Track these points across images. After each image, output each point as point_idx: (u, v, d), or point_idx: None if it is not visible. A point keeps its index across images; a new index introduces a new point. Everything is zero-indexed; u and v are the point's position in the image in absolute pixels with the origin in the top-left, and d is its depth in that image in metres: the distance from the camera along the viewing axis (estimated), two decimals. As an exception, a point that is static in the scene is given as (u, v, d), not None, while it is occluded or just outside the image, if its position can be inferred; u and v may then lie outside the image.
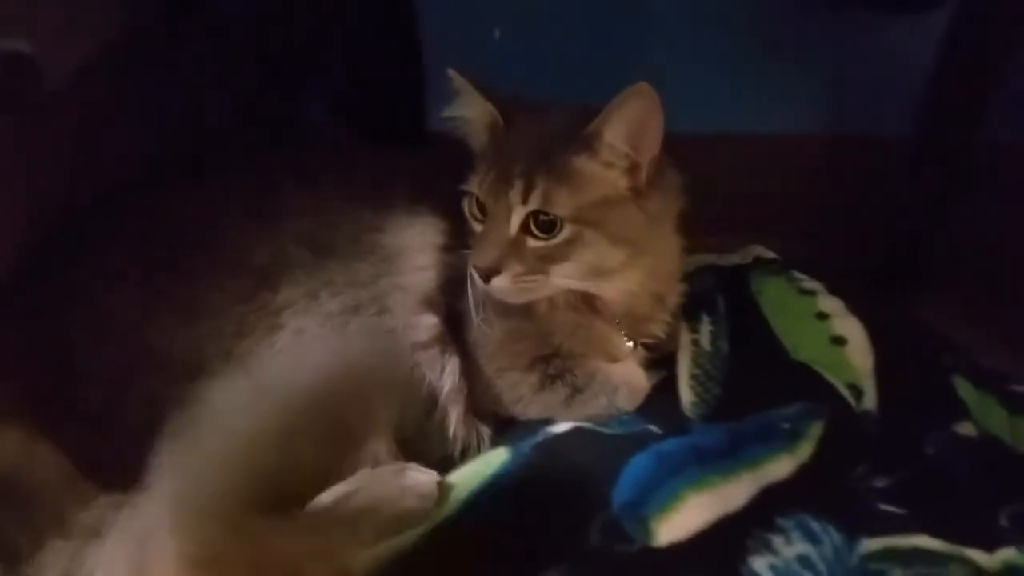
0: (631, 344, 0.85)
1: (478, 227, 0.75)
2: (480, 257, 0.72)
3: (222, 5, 1.01)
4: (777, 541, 0.66)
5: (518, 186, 0.72)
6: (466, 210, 0.77)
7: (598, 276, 0.76)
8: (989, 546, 0.67)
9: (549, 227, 0.73)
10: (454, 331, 0.81)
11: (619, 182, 0.75)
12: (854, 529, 0.67)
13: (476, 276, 0.74)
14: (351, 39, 1.18)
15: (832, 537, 0.66)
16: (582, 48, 1.25)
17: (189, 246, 0.74)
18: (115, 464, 0.68)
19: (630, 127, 0.72)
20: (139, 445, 0.67)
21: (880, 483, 0.73)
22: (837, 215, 1.17)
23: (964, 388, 0.82)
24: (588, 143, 0.73)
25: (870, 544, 0.67)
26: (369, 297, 0.77)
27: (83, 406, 0.69)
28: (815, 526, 0.67)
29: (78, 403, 0.69)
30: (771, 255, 1.06)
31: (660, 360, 0.90)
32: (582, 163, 0.73)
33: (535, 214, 0.73)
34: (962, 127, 1.09)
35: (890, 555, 0.67)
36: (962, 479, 0.73)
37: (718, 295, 0.99)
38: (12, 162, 0.71)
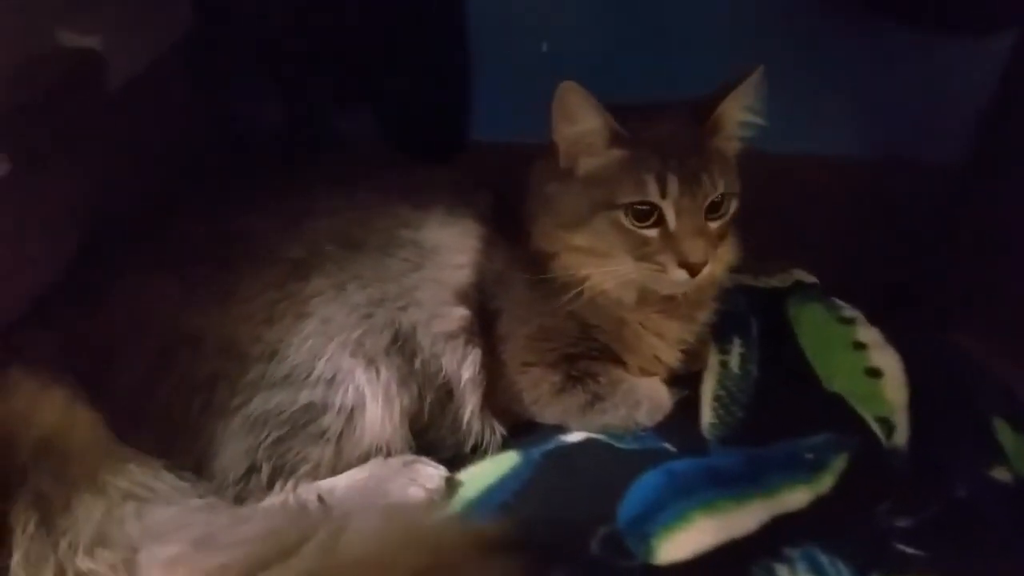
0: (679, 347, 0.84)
1: (652, 232, 0.74)
2: (696, 253, 0.73)
3: (271, 14, 1.04)
4: (782, 570, 0.64)
5: (700, 176, 0.73)
6: (624, 222, 0.75)
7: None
8: (1013, 598, 0.64)
9: (716, 208, 0.75)
10: (484, 329, 0.82)
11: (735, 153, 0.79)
12: (866, 566, 0.65)
13: (676, 276, 0.74)
14: (399, 50, 1.21)
15: (840, 572, 0.64)
16: (629, 63, 1.24)
17: (228, 239, 0.78)
18: (148, 433, 0.71)
19: (745, 103, 0.77)
20: (171, 417, 0.72)
21: (903, 522, 0.70)
22: (880, 241, 1.13)
23: (1003, 431, 0.79)
24: (717, 125, 0.77)
25: (881, 583, 0.65)
26: (397, 291, 0.78)
27: (123, 378, 0.72)
28: (823, 559, 0.65)
29: (118, 375, 0.72)
30: (812, 280, 1.03)
31: (684, 379, 0.88)
32: (720, 143, 0.77)
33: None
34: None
35: (901, 596, 0.64)
36: (993, 525, 0.69)
37: (752, 318, 0.97)
38: (73, 153, 0.75)
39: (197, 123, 0.97)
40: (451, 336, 0.79)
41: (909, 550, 0.67)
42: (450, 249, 0.81)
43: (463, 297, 0.80)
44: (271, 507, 0.68)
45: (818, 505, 0.71)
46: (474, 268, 0.81)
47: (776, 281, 1.04)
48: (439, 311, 0.79)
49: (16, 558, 0.60)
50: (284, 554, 0.58)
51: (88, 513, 0.62)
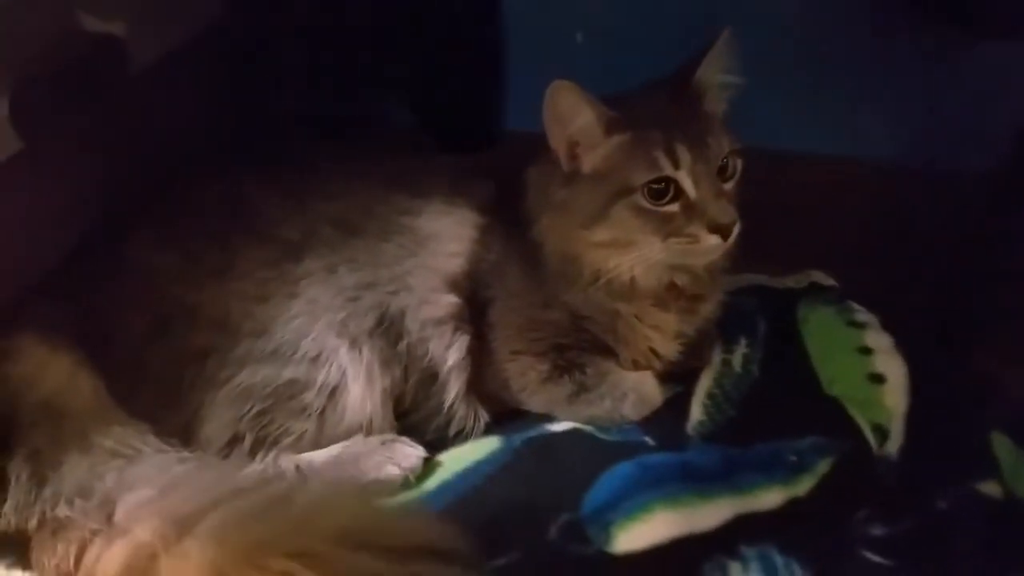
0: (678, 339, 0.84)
1: (674, 207, 0.74)
2: (724, 214, 0.73)
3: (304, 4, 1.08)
4: (734, 568, 0.64)
5: (706, 140, 0.74)
6: (645, 204, 0.74)
7: None
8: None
9: (725, 169, 0.76)
10: (475, 316, 0.83)
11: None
12: (824, 571, 0.64)
13: (709, 242, 0.73)
14: (434, 38, 1.23)
15: (793, 574, 0.63)
16: (662, 56, 1.23)
17: (233, 216, 0.81)
18: (143, 400, 0.76)
19: (719, 65, 0.77)
20: (165, 385, 0.76)
21: (877, 531, 0.69)
22: (907, 247, 1.09)
23: (1001, 445, 0.75)
24: (699, 90, 0.77)
25: (836, 590, 0.63)
26: (390, 275, 0.81)
27: (123, 347, 0.77)
28: (778, 560, 0.64)
29: (119, 344, 0.77)
30: (830, 282, 1.01)
31: (682, 375, 0.88)
32: (707, 106, 0.78)
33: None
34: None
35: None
36: (972, 540, 0.67)
37: (760, 318, 0.95)
38: (87, 133, 0.80)
39: (225, 108, 1.01)
40: (439, 322, 0.81)
41: (875, 558, 0.66)
42: (445, 238, 0.83)
43: (454, 285, 0.82)
44: (247, 470, 0.71)
45: (791, 507, 0.70)
46: (468, 257, 0.83)
47: (791, 282, 1.02)
48: (429, 297, 0.81)
49: (8, 506, 0.66)
50: (247, 511, 0.60)
51: (73, 468, 0.67)
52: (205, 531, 0.60)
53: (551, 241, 0.80)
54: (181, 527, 0.60)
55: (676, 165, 0.73)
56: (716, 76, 0.78)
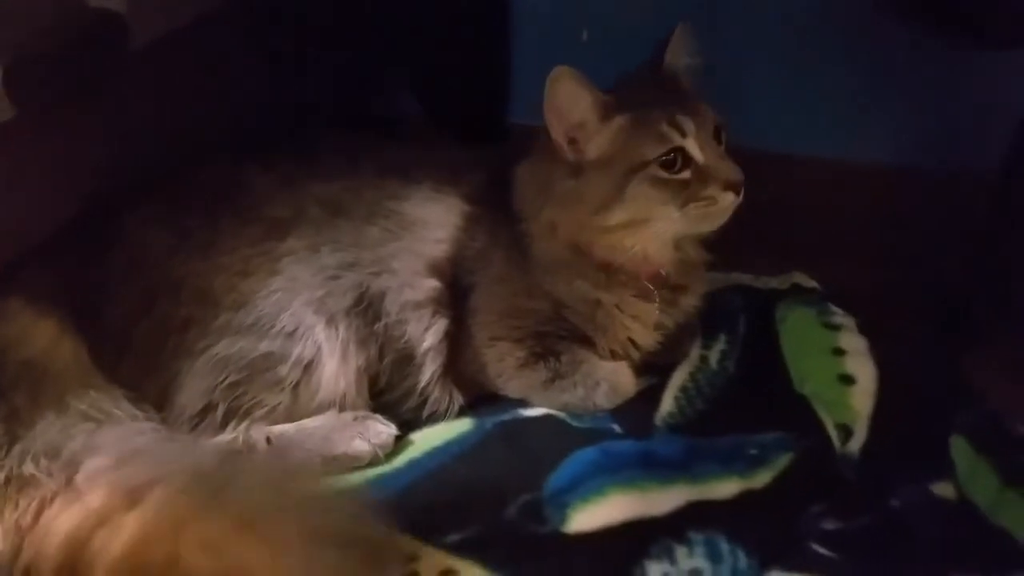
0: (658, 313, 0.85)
1: (686, 174, 0.77)
2: (733, 171, 0.77)
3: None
4: (680, 552, 0.65)
5: (700, 107, 0.79)
6: (662, 175, 0.77)
7: None
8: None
9: (719, 135, 0.80)
10: (456, 301, 0.85)
11: None
12: (768, 560, 0.65)
13: (726, 200, 0.77)
14: (442, 32, 1.24)
15: (738, 561, 0.65)
16: None
17: (219, 198, 0.84)
18: (127, 366, 0.79)
19: (683, 50, 0.83)
20: (147, 353, 0.79)
21: (829, 526, 0.70)
22: (904, 248, 1.10)
23: (960, 449, 0.76)
24: (672, 72, 0.82)
25: (778, 576, 0.65)
26: (372, 257, 0.83)
27: (110, 315, 0.80)
28: (724, 547, 0.66)
29: (107, 312, 0.80)
30: (811, 284, 1.02)
31: (660, 368, 0.89)
32: (684, 84, 0.82)
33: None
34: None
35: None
36: (919, 539, 0.68)
37: (740, 316, 0.97)
38: (91, 113, 0.82)
39: (225, 94, 1.03)
40: (418, 305, 0.83)
41: (822, 551, 0.67)
42: (431, 224, 0.85)
43: (436, 270, 0.84)
44: (207, 444, 0.74)
45: (745, 498, 0.71)
46: (452, 243, 0.85)
47: (775, 283, 1.03)
48: (410, 281, 0.83)
49: (-19, 462, 0.68)
50: (199, 487, 0.63)
51: (46, 429, 0.69)
52: (149, 504, 0.61)
53: (559, 234, 0.82)
54: (130, 499, 0.62)
55: (683, 134, 0.76)
56: (682, 59, 0.82)
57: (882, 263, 1.07)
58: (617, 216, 0.78)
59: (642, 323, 0.85)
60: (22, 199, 0.75)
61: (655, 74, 0.82)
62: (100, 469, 0.65)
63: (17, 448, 0.68)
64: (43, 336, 0.77)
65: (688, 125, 0.77)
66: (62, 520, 0.62)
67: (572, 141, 0.79)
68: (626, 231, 0.79)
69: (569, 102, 0.77)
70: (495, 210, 0.85)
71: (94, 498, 0.63)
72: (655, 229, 0.78)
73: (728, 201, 0.77)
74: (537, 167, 0.83)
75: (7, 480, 0.66)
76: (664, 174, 0.77)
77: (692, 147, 0.77)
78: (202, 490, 0.62)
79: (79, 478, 0.65)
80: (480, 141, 1.23)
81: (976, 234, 1.07)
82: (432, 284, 0.83)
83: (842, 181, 1.22)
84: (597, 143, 0.79)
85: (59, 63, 0.77)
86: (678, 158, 0.77)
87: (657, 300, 0.85)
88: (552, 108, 0.78)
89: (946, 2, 0.97)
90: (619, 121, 0.78)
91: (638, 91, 0.80)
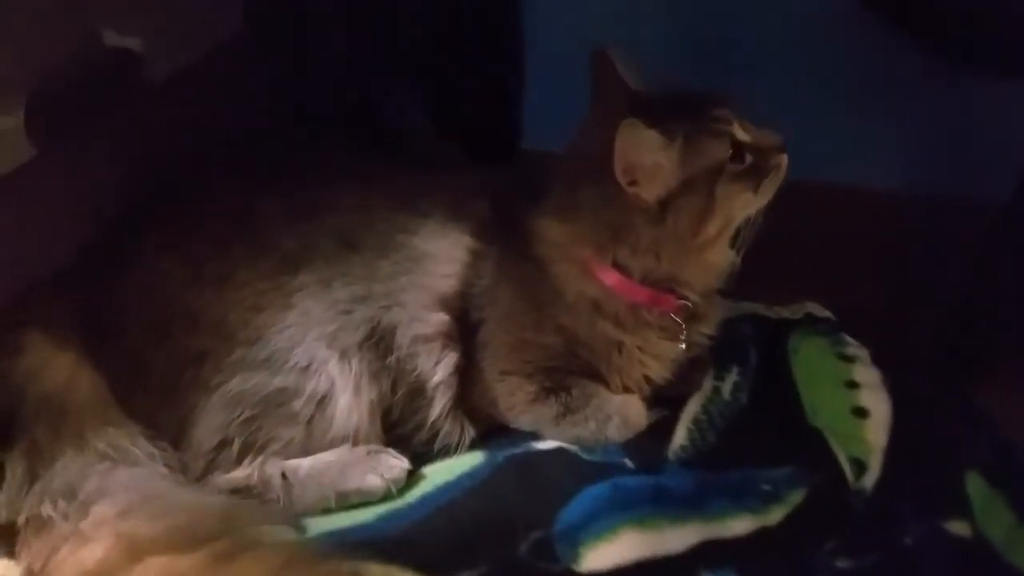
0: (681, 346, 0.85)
1: (749, 158, 0.79)
2: (772, 135, 0.80)
3: (324, 11, 1.10)
4: (692, 591, 0.65)
5: (717, 95, 0.80)
6: (738, 167, 0.79)
7: None
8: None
9: None
10: (466, 335, 0.85)
11: None
12: (781, 599, 0.64)
13: (784, 162, 0.79)
14: (454, 50, 1.25)
15: (750, 601, 0.64)
16: (687, 74, 1.25)
17: (234, 227, 0.84)
18: (142, 400, 0.79)
19: (630, 70, 0.83)
20: (162, 387, 0.80)
21: (842, 563, 0.70)
22: (912, 275, 1.09)
23: (975, 485, 0.76)
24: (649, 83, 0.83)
25: (792, 617, 0.64)
26: (383, 291, 0.83)
27: (125, 347, 0.81)
28: (736, 586, 0.65)
29: (122, 344, 0.81)
30: (825, 314, 1.01)
31: (671, 400, 0.89)
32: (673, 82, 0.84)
33: None
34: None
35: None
36: (932, 576, 0.67)
37: (752, 347, 0.96)
38: (110, 149, 0.83)
39: (239, 124, 1.04)
40: (428, 339, 0.83)
41: (835, 590, 0.66)
42: (439, 259, 0.85)
43: (445, 304, 0.84)
44: (217, 488, 0.75)
45: (759, 535, 0.71)
46: (460, 279, 0.85)
47: (787, 312, 1.03)
48: (420, 315, 0.83)
49: (2, 499, 0.69)
50: (194, 543, 0.63)
51: (66, 466, 0.70)
52: (150, 567, 0.61)
53: (663, 272, 0.82)
54: (130, 554, 0.63)
55: (729, 123, 0.78)
56: (639, 76, 0.82)
57: (895, 290, 1.07)
58: (715, 225, 0.79)
59: (660, 361, 0.85)
60: (42, 236, 0.76)
61: (641, 96, 0.80)
62: (107, 519, 0.65)
63: (37, 487, 0.68)
64: (62, 369, 0.78)
65: (724, 114, 0.78)
66: (68, 567, 0.63)
67: (632, 183, 0.78)
68: (722, 237, 0.80)
69: (644, 150, 0.76)
70: (502, 245, 0.86)
71: (97, 548, 0.63)
72: (742, 221, 0.80)
73: (785, 162, 0.79)
74: (588, 222, 0.82)
75: (27, 521, 0.66)
76: (736, 166, 0.78)
77: (740, 133, 0.78)
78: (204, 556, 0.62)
79: (86, 524, 0.65)
80: (488, 161, 1.23)
81: (980, 260, 1.07)
82: (441, 318, 0.83)
83: (854, 208, 1.21)
84: (668, 177, 0.78)
85: (78, 103, 0.78)
86: (738, 147, 0.78)
87: (684, 335, 0.84)
88: (625, 160, 0.76)
89: (953, 32, 0.97)
90: (676, 147, 0.77)
91: (656, 114, 0.78)
